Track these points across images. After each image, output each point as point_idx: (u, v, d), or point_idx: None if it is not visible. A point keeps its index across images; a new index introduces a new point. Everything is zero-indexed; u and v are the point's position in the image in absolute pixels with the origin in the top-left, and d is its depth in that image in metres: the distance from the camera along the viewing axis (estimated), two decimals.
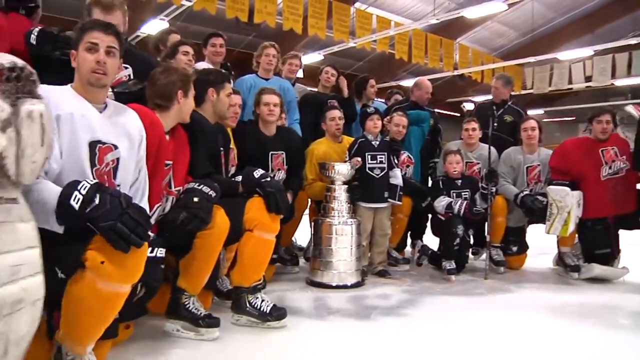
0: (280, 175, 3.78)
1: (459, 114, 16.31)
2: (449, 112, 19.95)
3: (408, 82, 18.97)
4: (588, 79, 18.79)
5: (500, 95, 5.30)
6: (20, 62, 1.48)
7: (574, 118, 26.78)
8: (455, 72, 17.14)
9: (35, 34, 2.44)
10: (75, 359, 1.84)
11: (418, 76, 18.49)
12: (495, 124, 4.98)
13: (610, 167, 4.14)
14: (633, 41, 14.80)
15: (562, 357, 2.47)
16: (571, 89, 20.09)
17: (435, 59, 15.38)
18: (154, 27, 11.66)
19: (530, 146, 4.54)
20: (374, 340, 2.65)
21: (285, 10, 10.92)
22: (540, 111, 24.61)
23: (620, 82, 18.92)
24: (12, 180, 1.39)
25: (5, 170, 1.39)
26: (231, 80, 3.65)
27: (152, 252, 2.00)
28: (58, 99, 1.87)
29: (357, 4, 13.99)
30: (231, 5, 10.03)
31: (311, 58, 14.79)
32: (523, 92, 20.68)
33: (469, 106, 14.97)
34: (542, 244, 4.77)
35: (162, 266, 2.14)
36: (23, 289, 1.31)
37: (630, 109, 4.14)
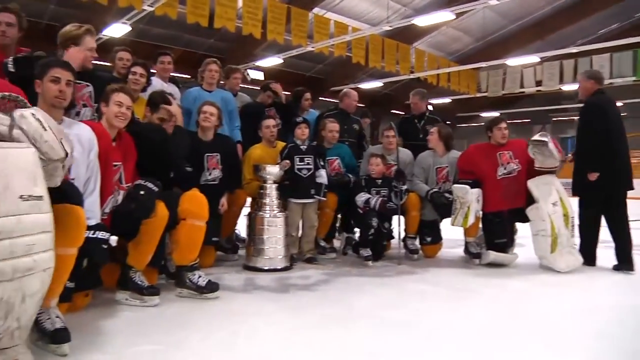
0: (216, 173, 4.43)
1: None
2: (407, 114, 20.72)
3: (366, 85, 19.73)
4: (538, 83, 19.82)
5: (419, 108, 6.02)
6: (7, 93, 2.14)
7: (529, 120, 27.98)
8: (412, 76, 17.81)
9: (11, 62, 3.07)
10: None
11: (377, 79, 19.25)
12: (421, 135, 5.72)
13: (504, 168, 4.87)
14: (574, 50, 15.79)
15: (441, 318, 3.14)
16: (523, 92, 21.06)
17: (391, 62, 15.90)
18: (116, 30, 12.04)
19: (436, 149, 5.25)
20: (287, 307, 3.32)
21: (245, 16, 11.24)
22: (497, 113, 25.53)
23: (567, 87, 19.96)
24: (47, 160, 2.03)
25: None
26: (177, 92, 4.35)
27: (94, 234, 2.66)
28: None
29: (315, 10, 14.47)
30: (192, 10, 10.34)
31: (271, 61, 15.30)
32: (478, 95, 21.65)
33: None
34: None
35: (105, 246, 2.78)
36: (34, 260, 1.88)
37: (549, 142, 4.68)
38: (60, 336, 2.27)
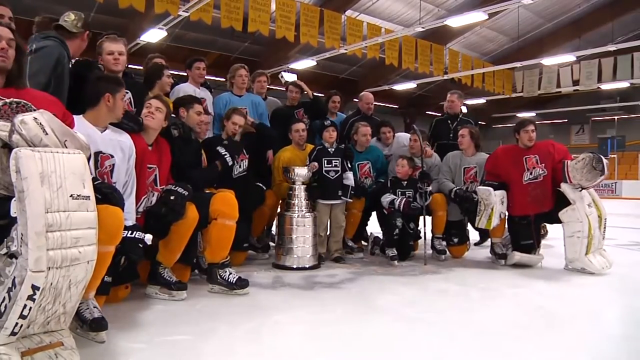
0: (244, 164, 4.58)
1: None
2: (442, 114, 20.65)
3: (400, 86, 19.73)
4: (576, 82, 19.49)
5: (455, 107, 6.04)
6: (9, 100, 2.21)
7: (566, 120, 27.48)
8: (446, 77, 17.73)
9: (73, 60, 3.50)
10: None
11: (411, 80, 19.22)
12: (452, 135, 5.79)
13: (531, 173, 4.86)
14: (612, 47, 15.45)
15: (463, 317, 3.22)
16: (560, 92, 20.73)
17: (425, 64, 15.84)
18: (153, 35, 12.40)
19: (467, 150, 5.33)
20: (311, 303, 3.48)
21: (278, 19, 11.46)
22: (532, 114, 25.12)
23: (605, 86, 19.59)
24: None
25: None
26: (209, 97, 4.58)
27: (131, 234, 2.88)
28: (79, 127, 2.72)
29: (348, 12, 14.53)
30: (226, 15, 10.56)
31: (304, 64, 15.44)
32: (513, 95, 21.40)
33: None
34: None
35: (141, 245, 2.99)
36: (80, 252, 2.06)
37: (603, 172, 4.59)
38: (99, 324, 2.48)
